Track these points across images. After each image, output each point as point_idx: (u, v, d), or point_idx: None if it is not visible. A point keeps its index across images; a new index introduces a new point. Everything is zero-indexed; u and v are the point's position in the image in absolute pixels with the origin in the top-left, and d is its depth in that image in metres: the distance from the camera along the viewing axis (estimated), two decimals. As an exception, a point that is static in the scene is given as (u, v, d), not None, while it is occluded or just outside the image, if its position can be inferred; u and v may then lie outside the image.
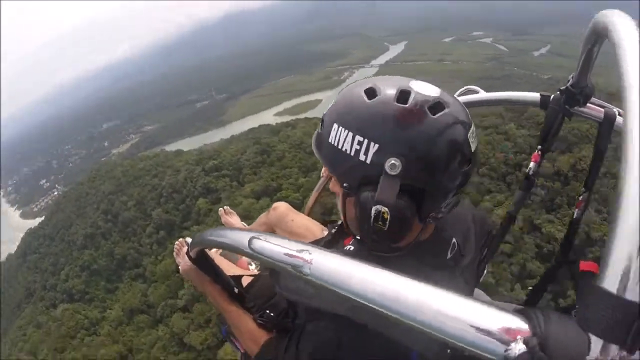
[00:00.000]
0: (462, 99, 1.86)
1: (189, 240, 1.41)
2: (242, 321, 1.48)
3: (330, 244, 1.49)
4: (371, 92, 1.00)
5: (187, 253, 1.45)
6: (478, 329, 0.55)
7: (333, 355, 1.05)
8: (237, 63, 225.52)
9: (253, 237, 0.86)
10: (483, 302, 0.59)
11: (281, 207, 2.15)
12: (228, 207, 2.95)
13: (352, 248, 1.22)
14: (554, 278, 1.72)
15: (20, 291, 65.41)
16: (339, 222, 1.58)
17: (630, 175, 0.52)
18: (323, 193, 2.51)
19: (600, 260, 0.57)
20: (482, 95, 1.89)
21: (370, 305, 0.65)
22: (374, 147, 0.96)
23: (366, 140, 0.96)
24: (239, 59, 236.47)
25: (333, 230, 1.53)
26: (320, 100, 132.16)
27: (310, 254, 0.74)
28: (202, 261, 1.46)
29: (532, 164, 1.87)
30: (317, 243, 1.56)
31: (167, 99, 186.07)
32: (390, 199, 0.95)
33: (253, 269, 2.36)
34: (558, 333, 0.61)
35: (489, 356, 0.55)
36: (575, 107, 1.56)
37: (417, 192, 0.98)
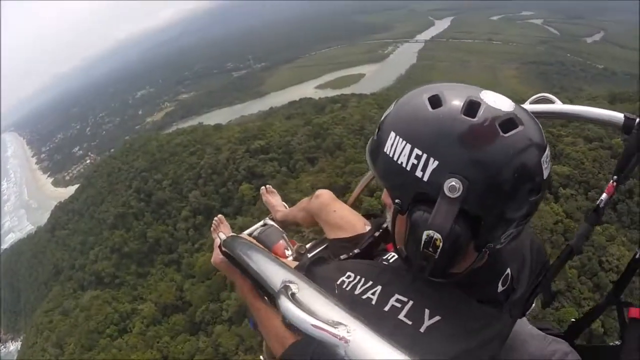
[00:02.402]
0: (535, 108, 1.82)
1: (222, 236, 1.46)
2: (269, 319, 1.40)
3: (371, 247, 1.66)
4: (435, 101, 0.97)
5: (219, 245, 1.46)
6: None
7: None
8: (277, 31, 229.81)
9: (287, 284, 0.83)
10: None
11: (324, 195, 2.19)
12: (270, 186, 2.99)
13: (392, 260, 1.35)
14: (600, 315, 1.73)
15: (49, 268, 65.96)
16: (384, 223, 1.75)
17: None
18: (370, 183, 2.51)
19: None
20: (558, 106, 1.81)
21: None
22: (433, 164, 0.93)
23: (425, 155, 0.94)
24: (279, 27, 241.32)
25: (377, 234, 1.68)
26: (363, 75, 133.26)
27: (349, 332, 0.67)
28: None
29: (604, 196, 1.71)
30: (359, 241, 1.80)
31: (205, 66, 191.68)
32: (445, 225, 0.93)
33: (289, 255, 2.32)
34: None
35: None
36: None
37: (476, 219, 0.96)
